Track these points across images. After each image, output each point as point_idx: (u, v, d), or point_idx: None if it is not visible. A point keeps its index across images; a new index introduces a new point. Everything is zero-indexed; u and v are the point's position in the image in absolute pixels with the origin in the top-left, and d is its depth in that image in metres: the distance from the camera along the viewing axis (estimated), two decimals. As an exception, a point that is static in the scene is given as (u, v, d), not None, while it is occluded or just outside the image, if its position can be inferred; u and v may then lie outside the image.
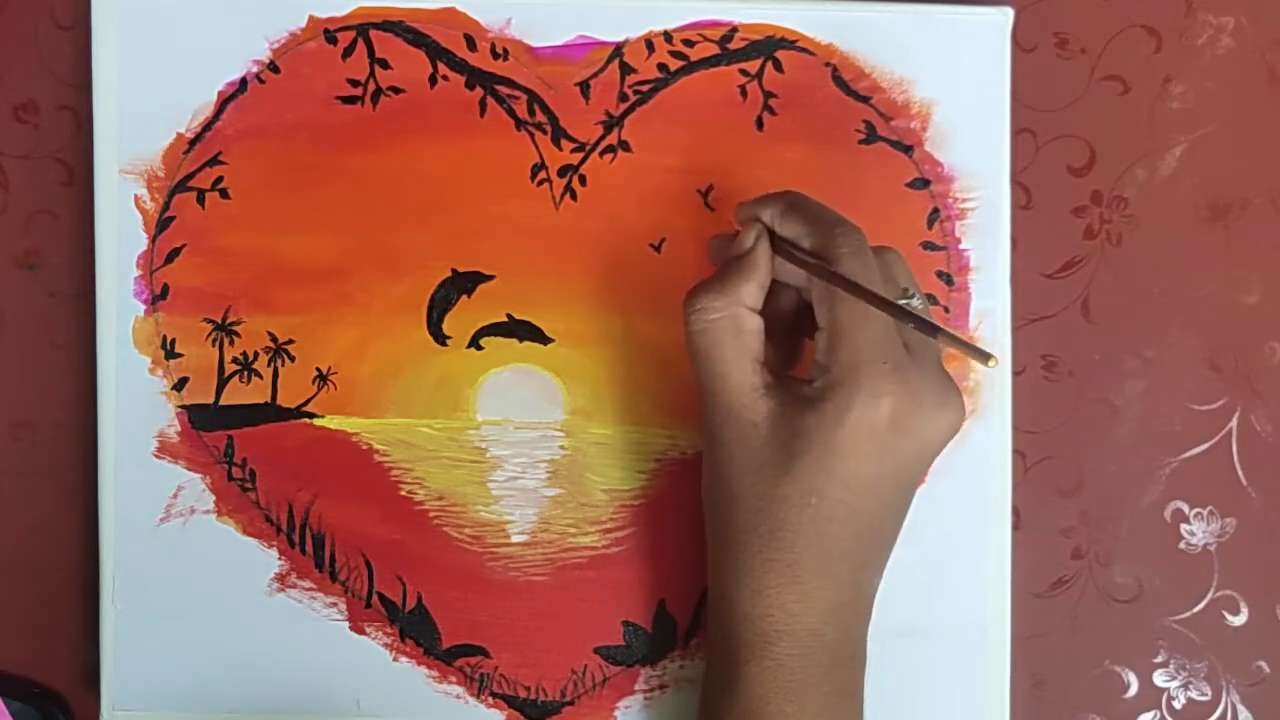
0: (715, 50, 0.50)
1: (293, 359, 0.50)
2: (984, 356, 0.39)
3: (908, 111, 0.50)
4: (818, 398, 0.41)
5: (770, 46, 0.50)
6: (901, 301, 0.42)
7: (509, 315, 0.50)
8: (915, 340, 0.42)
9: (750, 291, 0.43)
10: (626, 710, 0.49)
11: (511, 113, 0.50)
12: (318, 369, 0.49)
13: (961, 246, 0.50)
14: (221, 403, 0.49)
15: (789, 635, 0.42)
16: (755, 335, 0.43)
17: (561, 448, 0.50)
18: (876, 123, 0.50)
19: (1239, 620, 0.51)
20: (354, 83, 0.50)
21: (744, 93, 0.50)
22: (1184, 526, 0.51)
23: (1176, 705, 0.51)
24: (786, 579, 0.42)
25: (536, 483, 0.50)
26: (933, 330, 0.40)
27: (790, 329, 0.45)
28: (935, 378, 0.42)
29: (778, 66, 0.50)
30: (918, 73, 0.50)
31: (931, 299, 0.49)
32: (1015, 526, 0.50)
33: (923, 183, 0.50)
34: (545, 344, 0.50)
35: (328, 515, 0.49)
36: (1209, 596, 0.51)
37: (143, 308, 0.49)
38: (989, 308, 0.50)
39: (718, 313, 0.43)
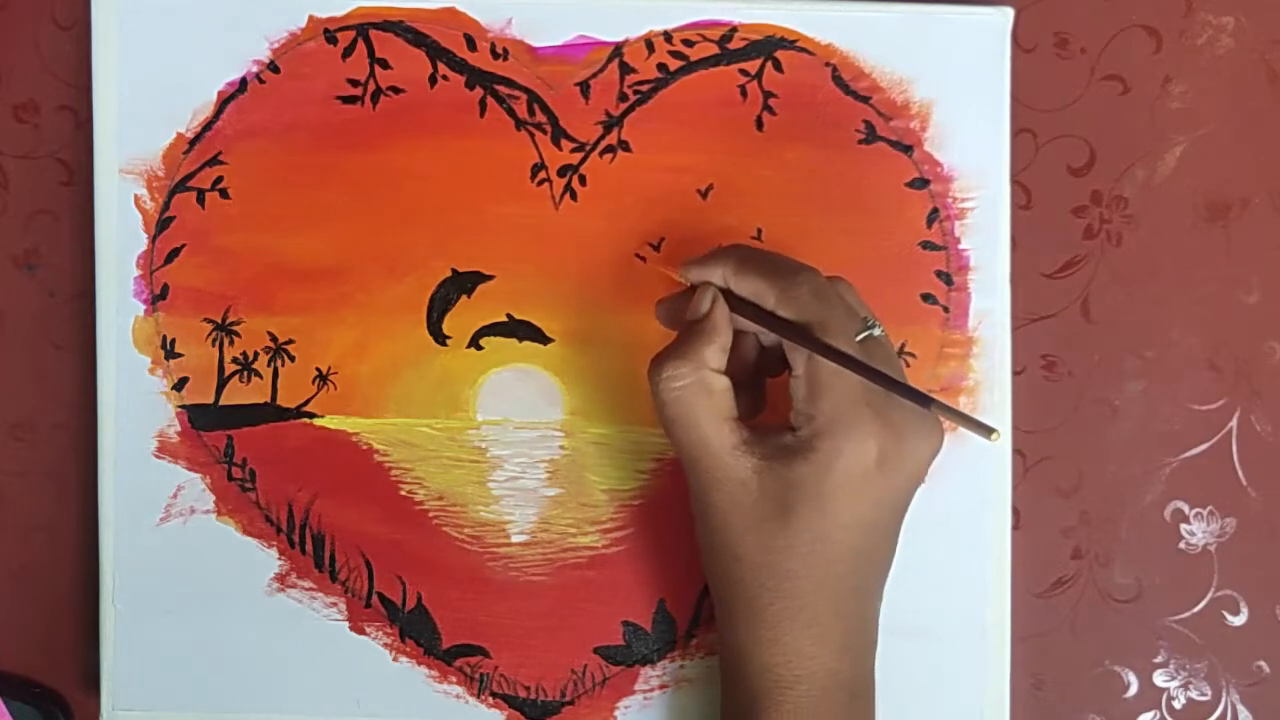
0: (715, 50, 0.50)
1: (293, 359, 0.50)
2: (985, 430, 0.39)
3: (907, 111, 0.50)
4: (805, 447, 0.42)
5: (770, 46, 0.50)
6: (863, 334, 0.42)
7: (509, 315, 0.50)
8: (890, 370, 0.42)
9: (713, 354, 0.43)
10: (626, 710, 0.49)
11: (511, 113, 0.50)
12: (318, 369, 0.49)
13: (961, 246, 0.50)
14: (221, 403, 0.49)
15: (808, 678, 0.42)
16: (725, 395, 0.43)
17: (561, 448, 0.50)
18: (876, 123, 0.50)
19: (1239, 620, 0.51)
20: (354, 83, 0.50)
21: (744, 93, 0.50)
22: (1184, 526, 0.51)
23: (1176, 705, 0.51)
24: (801, 624, 0.42)
25: (536, 483, 0.50)
26: (925, 402, 0.41)
27: (751, 375, 0.46)
28: (913, 411, 0.42)
29: (778, 66, 0.50)
30: (918, 73, 0.50)
31: (931, 299, 0.50)
32: (1015, 526, 0.50)
33: (922, 182, 0.50)
34: (545, 344, 0.50)
35: (328, 515, 0.49)
36: (1209, 596, 0.51)
37: (143, 308, 0.49)
38: (989, 308, 0.50)
39: (685, 379, 0.43)
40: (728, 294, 0.44)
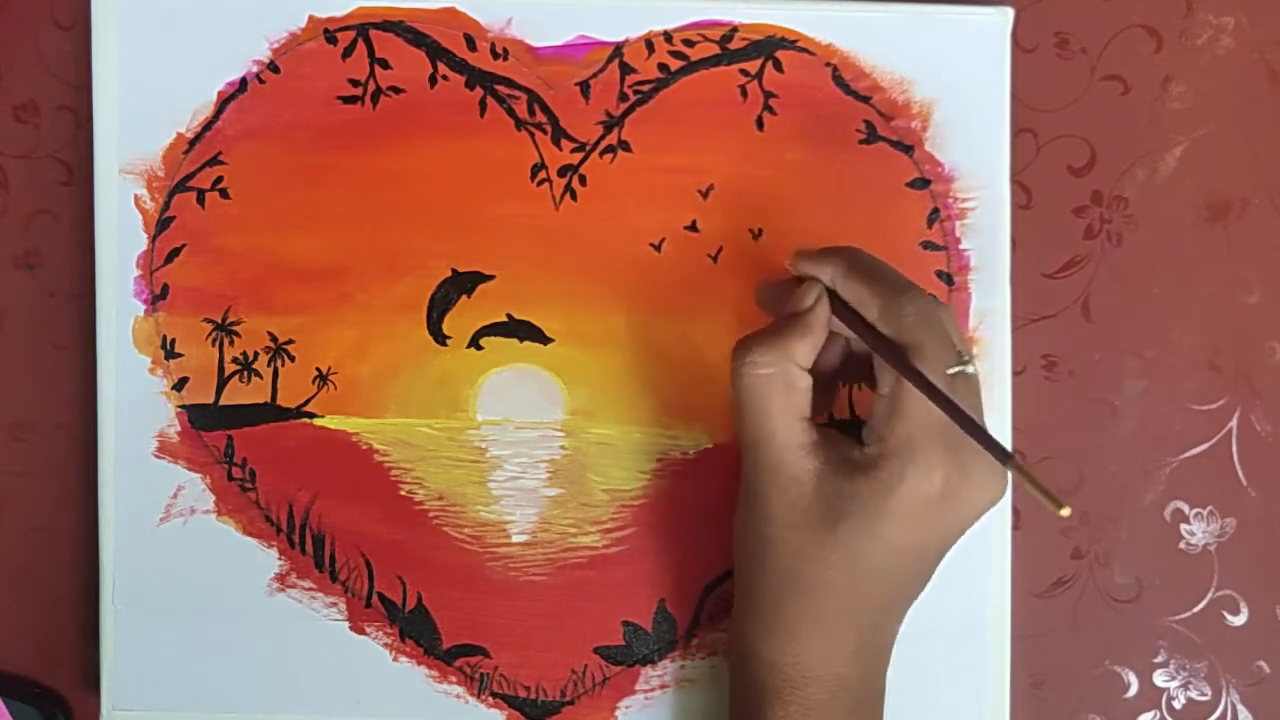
0: (715, 50, 0.50)
1: (293, 359, 0.50)
2: (1056, 503, 0.38)
3: (908, 111, 0.50)
4: (870, 464, 0.41)
5: (770, 46, 0.50)
6: (955, 369, 0.41)
7: (509, 315, 0.50)
8: (972, 411, 0.42)
9: (804, 350, 0.43)
10: (626, 710, 0.49)
11: (511, 113, 0.50)
12: (318, 369, 0.49)
13: (961, 246, 0.50)
14: (221, 403, 0.49)
15: (815, 680, 0.42)
16: (805, 393, 0.43)
17: (562, 448, 0.50)
18: (876, 123, 0.50)
19: (1239, 620, 0.51)
20: (354, 83, 0.50)
21: (744, 93, 0.50)
22: (1184, 526, 0.51)
23: (1176, 705, 0.51)
24: (818, 629, 0.42)
25: (536, 483, 0.50)
26: (1004, 457, 0.40)
27: (829, 376, 0.45)
28: (984, 453, 0.41)
29: (778, 66, 0.50)
30: (918, 73, 0.50)
31: (931, 299, 0.49)
32: (1015, 526, 0.50)
33: (923, 182, 0.50)
34: (545, 344, 0.50)
35: (328, 515, 0.49)
36: (1209, 596, 0.51)
37: (143, 308, 0.49)
38: (989, 308, 0.50)
39: (769, 368, 0.42)
40: (832, 295, 0.44)
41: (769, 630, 0.42)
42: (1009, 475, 0.42)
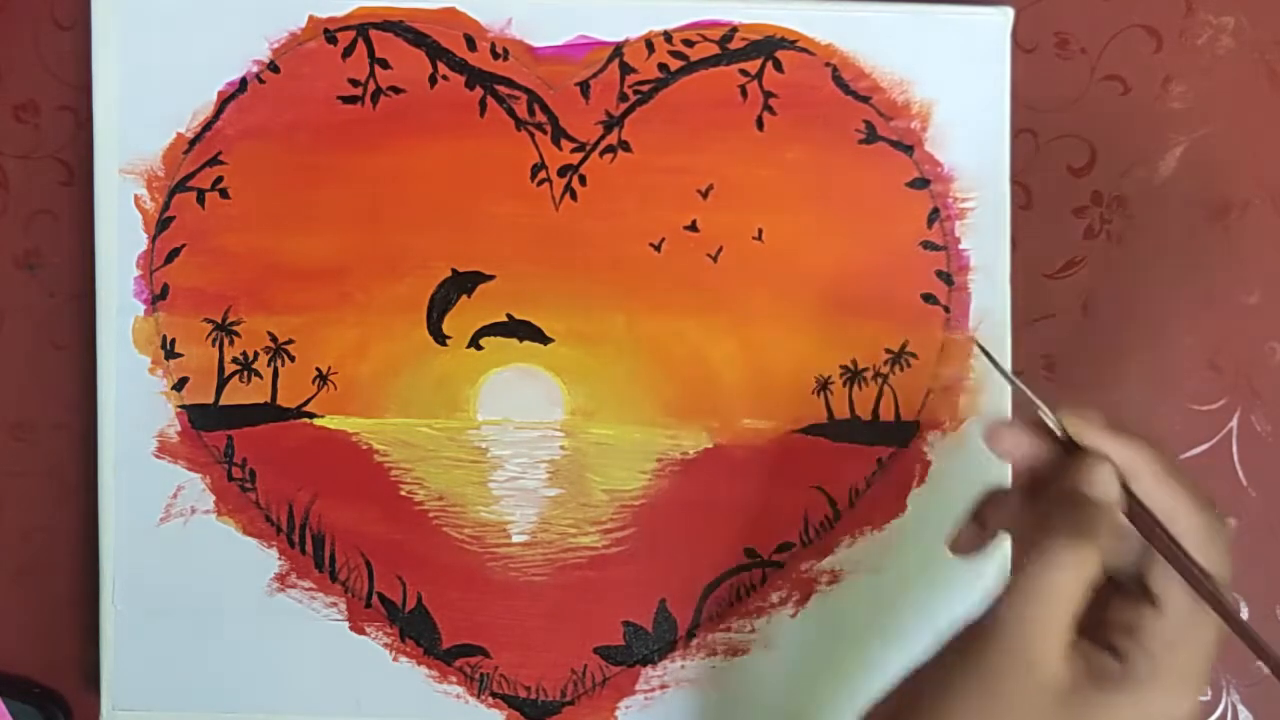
0: (715, 50, 0.50)
1: (293, 359, 0.50)
2: None
3: (908, 111, 0.50)
4: (1129, 682, 0.37)
5: (770, 46, 0.50)
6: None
7: (509, 315, 0.50)
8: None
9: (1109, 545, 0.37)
10: (626, 710, 0.49)
11: (511, 113, 0.50)
12: (318, 369, 0.49)
13: (961, 246, 0.50)
14: (221, 403, 0.49)
15: None
16: (1086, 594, 0.37)
17: (561, 448, 0.50)
18: (876, 122, 0.50)
19: (1239, 620, 0.51)
20: (354, 83, 0.50)
21: (744, 93, 0.50)
22: (1184, 526, 0.51)
23: (1176, 705, 0.51)
24: None
25: (536, 483, 0.50)
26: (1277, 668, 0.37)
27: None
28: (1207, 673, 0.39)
29: (778, 66, 0.50)
30: (918, 73, 0.50)
31: (932, 299, 0.50)
32: (1015, 526, 0.50)
33: (923, 182, 0.50)
34: (545, 344, 0.50)
35: (328, 515, 0.49)
36: (1209, 596, 0.51)
37: (143, 308, 0.49)
38: (989, 308, 0.50)
39: (1083, 553, 0.37)
40: (1132, 499, 0.38)
41: None
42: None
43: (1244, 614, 0.51)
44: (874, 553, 0.49)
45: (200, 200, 0.50)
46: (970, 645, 0.39)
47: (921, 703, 0.39)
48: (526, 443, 0.50)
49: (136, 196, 0.49)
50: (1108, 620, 0.38)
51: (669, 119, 0.50)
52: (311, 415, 0.49)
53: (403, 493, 0.50)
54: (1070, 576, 0.37)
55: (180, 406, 0.49)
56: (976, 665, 0.38)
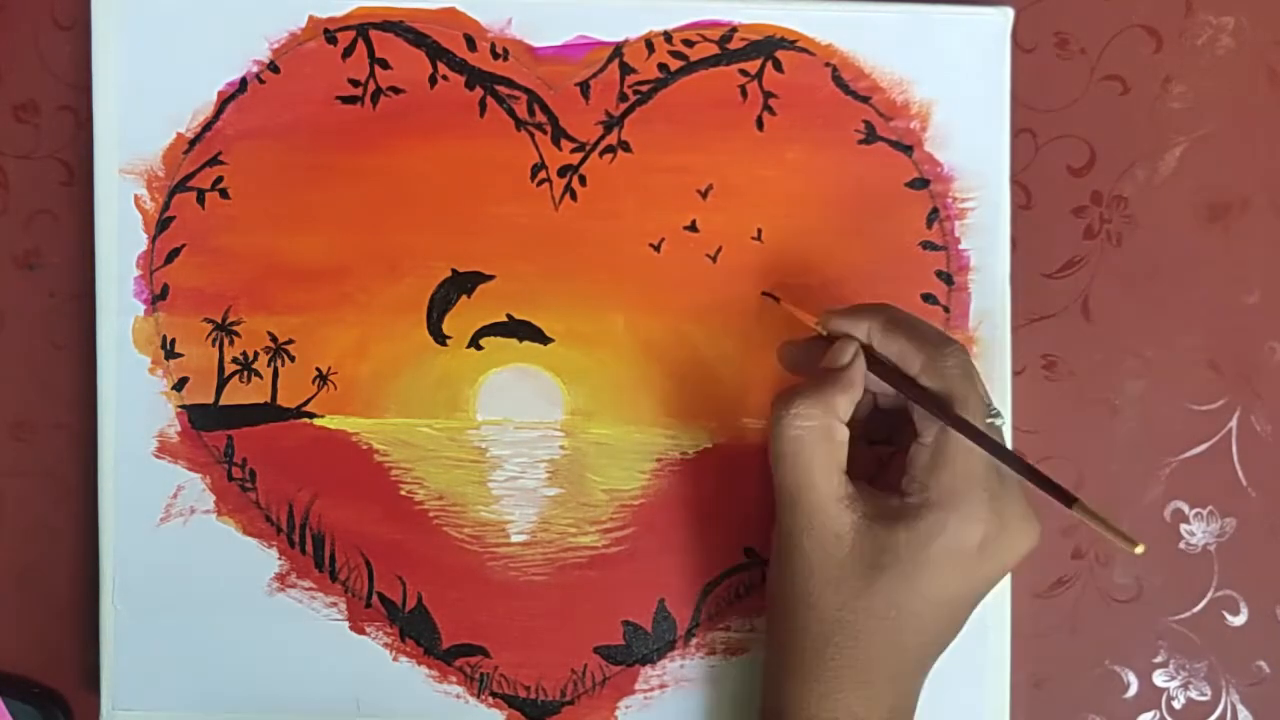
0: (715, 50, 0.50)
1: (293, 359, 0.50)
2: (1129, 541, 0.38)
3: (907, 111, 0.50)
4: (910, 515, 0.42)
5: (770, 46, 0.50)
6: (990, 420, 0.42)
7: (509, 315, 0.50)
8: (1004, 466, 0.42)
9: (845, 404, 0.43)
10: (626, 710, 0.49)
11: (511, 113, 0.50)
12: (318, 369, 0.49)
13: (961, 246, 0.50)
14: (221, 403, 0.49)
15: None
16: (843, 447, 0.43)
17: (561, 448, 0.50)
18: (876, 123, 0.50)
19: (1239, 620, 0.51)
20: (354, 83, 0.50)
21: (744, 93, 0.50)
22: (1184, 526, 0.51)
23: (1176, 705, 0.51)
24: (857, 683, 0.42)
25: (536, 483, 0.50)
26: (1068, 501, 0.40)
27: (860, 433, 0.45)
28: (1021, 504, 0.42)
29: (778, 66, 0.50)
30: (918, 73, 0.50)
31: (932, 299, 0.50)
32: (1015, 526, 0.50)
33: (922, 182, 0.50)
34: (545, 344, 0.50)
35: (328, 515, 0.50)
36: (1209, 596, 0.51)
37: (143, 308, 0.49)
38: (989, 308, 0.50)
39: (812, 420, 0.43)
40: (867, 350, 0.44)
41: (809, 688, 0.42)
42: (1039, 525, 0.42)
43: (1244, 614, 0.51)
44: (874, 553, 0.49)
45: (200, 200, 0.50)
46: (777, 519, 0.44)
47: (770, 593, 0.45)
48: (526, 443, 0.50)
49: (136, 196, 0.49)
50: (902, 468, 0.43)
51: (669, 119, 0.50)
52: (311, 415, 0.49)
53: (403, 493, 0.50)
54: (815, 429, 0.42)
55: (180, 406, 0.49)
56: (780, 539, 0.44)
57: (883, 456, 0.48)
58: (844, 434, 0.43)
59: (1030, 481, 0.41)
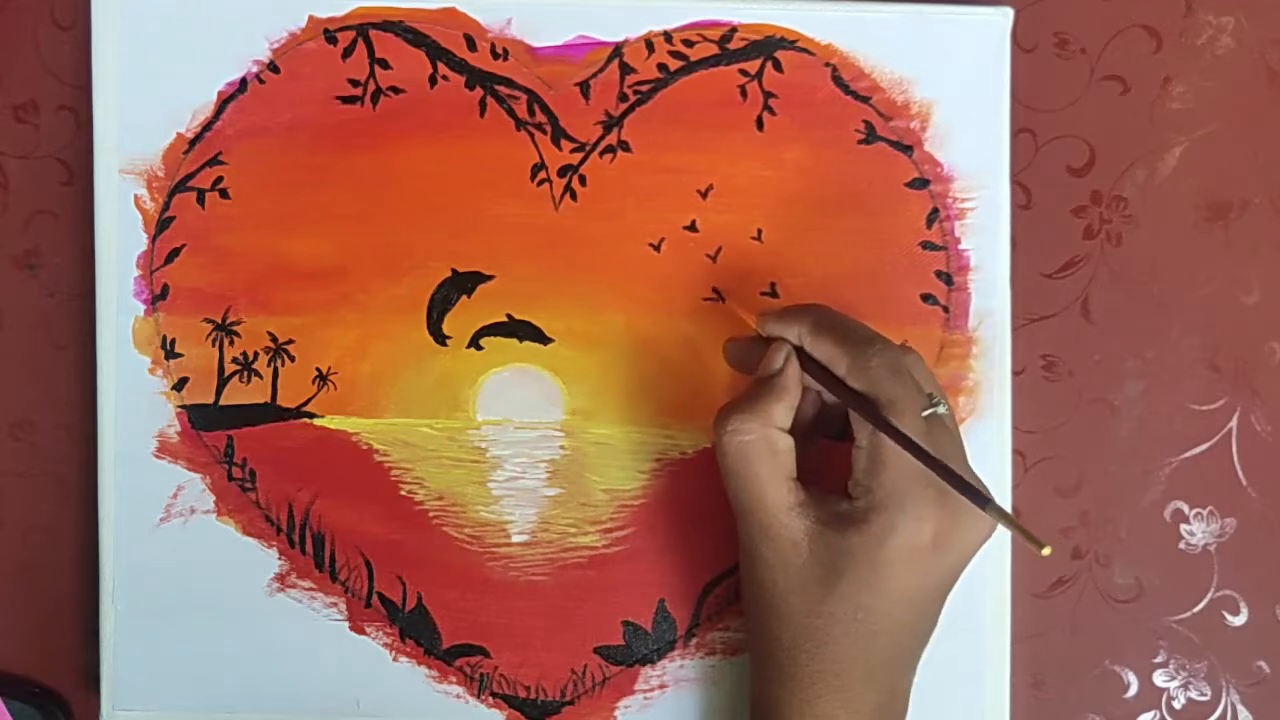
0: (715, 50, 0.50)
1: (293, 359, 0.50)
2: (1036, 544, 0.38)
3: (907, 111, 0.50)
4: (860, 518, 0.42)
5: (770, 46, 0.50)
6: (928, 411, 0.42)
7: (509, 315, 0.50)
8: (950, 453, 0.42)
9: (782, 412, 0.43)
10: (626, 710, 0.49)
11: (511, 113, 0.50)
12: (318, 369, 0.50)
13: (961, 246, 0.50)
14: (221, 403, 0.49)
15: None
16: (788, 454, 0.43)
17: (561, 448, 0.50)
18: (876, 123, 0.50)
19: (1239, 620, 0.51)
20: (354, 83, 0.50)
21: (744, 93, 0.50)
22: (1184, 526, 0.51)
23: (1176, 705, 0.51)
24: (834, 688, 0.42)
25: (536, 483, 0.50)
26: (981, 502, 0.40)
27: (807, 431, 0.46)
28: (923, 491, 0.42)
29: (777, 66, 0.50)
30: (918, 73, 0.50)
31: (932, 299, 0.50)
32: (1015, 526, 0.50)
33: (922, 182, 0.50)
34: (545, 344, 0.50)
35: (328, 515, 0.50)
36: (1209, 596, 0.51)
37: (143, 308, 0.49)
38: (989, 308, 0.50)
39: (752, 434, 0.43)
40: (800, 352, 0.44)
41: (789, 695, 0.42)
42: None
43: (1244, 614, 0.51)
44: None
45: (200, 200, 0.50)
46: (739, 531, 0.44)
47: (744, 599, 0.45)
48: (526, 443, 0.50)
49: (136, 196, 0.49)
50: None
51: (669, 119, 0.50)
52: (311, 415, 0.49)
53: (403, 493, 0.50)
54: (755, 443, 0.43)
55: (180, 406, 0.49)
56: (743, 551, 0.44)
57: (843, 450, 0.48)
58: (786, 442, 0.43)
59: (946, 482, 0.40)
